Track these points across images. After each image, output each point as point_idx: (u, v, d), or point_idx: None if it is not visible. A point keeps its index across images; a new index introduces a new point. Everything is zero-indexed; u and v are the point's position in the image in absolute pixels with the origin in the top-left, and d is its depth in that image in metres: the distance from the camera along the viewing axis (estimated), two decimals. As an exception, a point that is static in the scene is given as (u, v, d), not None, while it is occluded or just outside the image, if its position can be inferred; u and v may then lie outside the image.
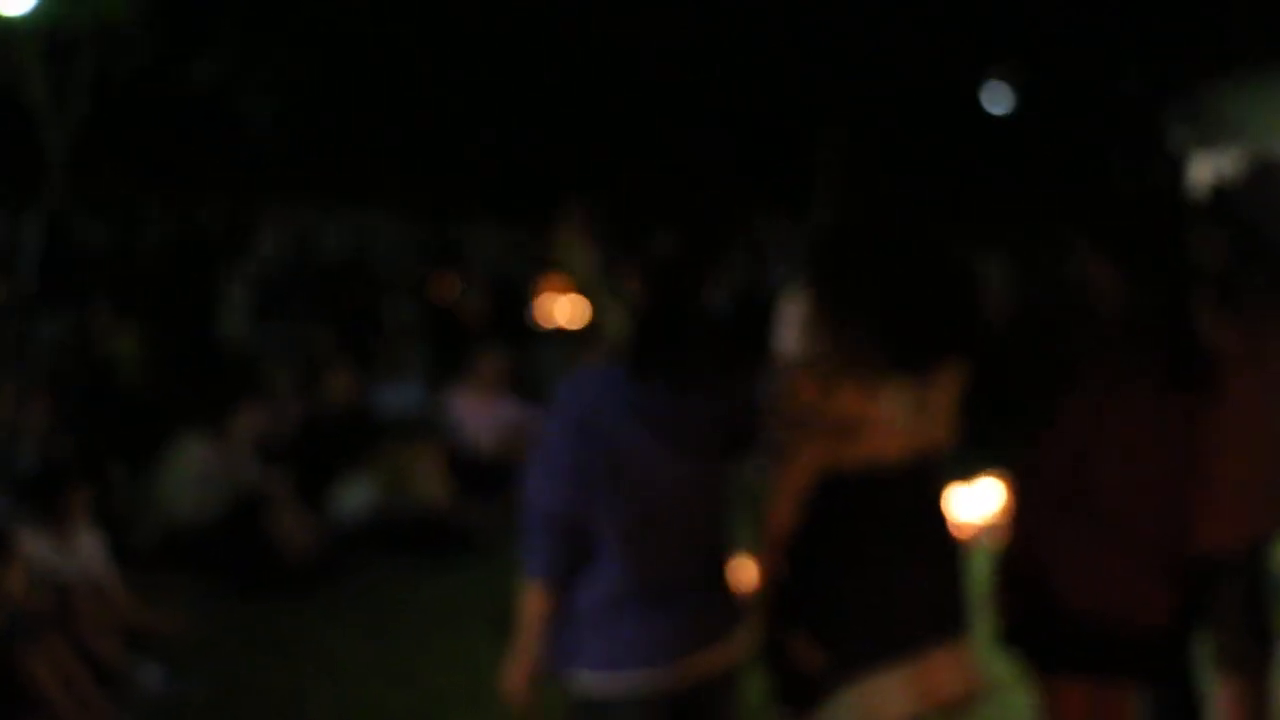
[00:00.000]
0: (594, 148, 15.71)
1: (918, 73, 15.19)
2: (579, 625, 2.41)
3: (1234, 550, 3.33)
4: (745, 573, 2.89)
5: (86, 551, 4.87)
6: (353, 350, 8.22)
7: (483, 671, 4.68)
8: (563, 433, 2.36)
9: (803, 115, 15.13)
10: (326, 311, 10.89)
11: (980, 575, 2.84)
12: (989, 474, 4.95)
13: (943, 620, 2.71)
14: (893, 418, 2.53)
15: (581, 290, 2.56)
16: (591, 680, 2.41)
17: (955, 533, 2.90)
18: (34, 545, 4.61)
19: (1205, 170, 5.54)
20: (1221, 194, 4.40)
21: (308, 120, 14.68)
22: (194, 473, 5.89)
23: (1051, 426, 2.78)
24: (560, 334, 10.79)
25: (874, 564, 2.60)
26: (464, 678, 4.67)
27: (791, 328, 2.64)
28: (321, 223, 14.37)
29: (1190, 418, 2.77)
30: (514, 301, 12.30)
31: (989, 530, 4.68)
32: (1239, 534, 3.33)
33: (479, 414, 7.49)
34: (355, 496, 6.58)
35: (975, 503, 4.91)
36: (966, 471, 4.97)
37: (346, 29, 13.41)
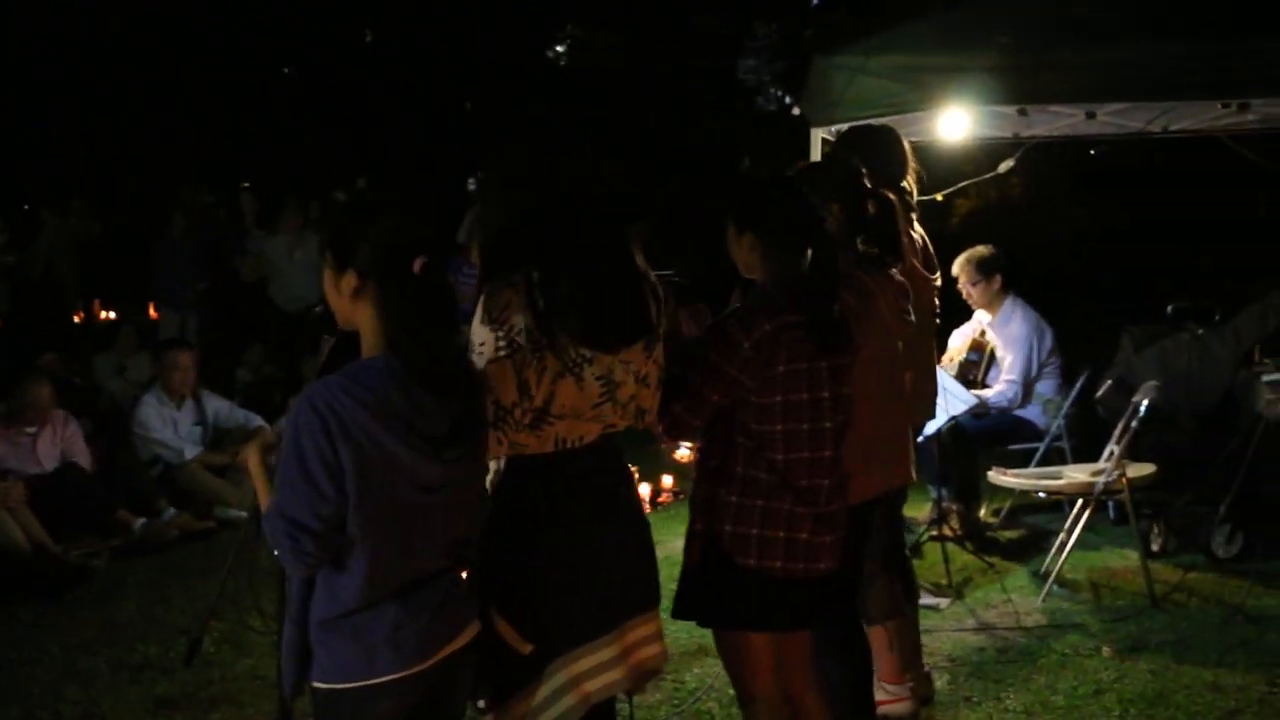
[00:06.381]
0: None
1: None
2: (330, 634, 2.31)
3: (871, 501, 3.47)
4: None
5: None
6: None
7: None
8: (312, 439, 2.23)
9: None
10: None
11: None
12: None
13: (640, 592, 2.84)
14: (590, 399, 2.64)
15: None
16: (346, 688, 2.31)
17: (642, 506, 3.05)
18: None
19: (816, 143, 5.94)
20: (831, 163, 4.61)
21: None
22: None
23: (723, 396, 2.93)
24: (118, 339, 9.85)
25: (573, 544, 2.68)
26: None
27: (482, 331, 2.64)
28: None
29: (838, 376, 3.04)
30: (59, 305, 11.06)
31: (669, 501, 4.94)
32: (871, 485, 3.45)
33: (21, 445, 6.77)
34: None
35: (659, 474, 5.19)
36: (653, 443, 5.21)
37: None
